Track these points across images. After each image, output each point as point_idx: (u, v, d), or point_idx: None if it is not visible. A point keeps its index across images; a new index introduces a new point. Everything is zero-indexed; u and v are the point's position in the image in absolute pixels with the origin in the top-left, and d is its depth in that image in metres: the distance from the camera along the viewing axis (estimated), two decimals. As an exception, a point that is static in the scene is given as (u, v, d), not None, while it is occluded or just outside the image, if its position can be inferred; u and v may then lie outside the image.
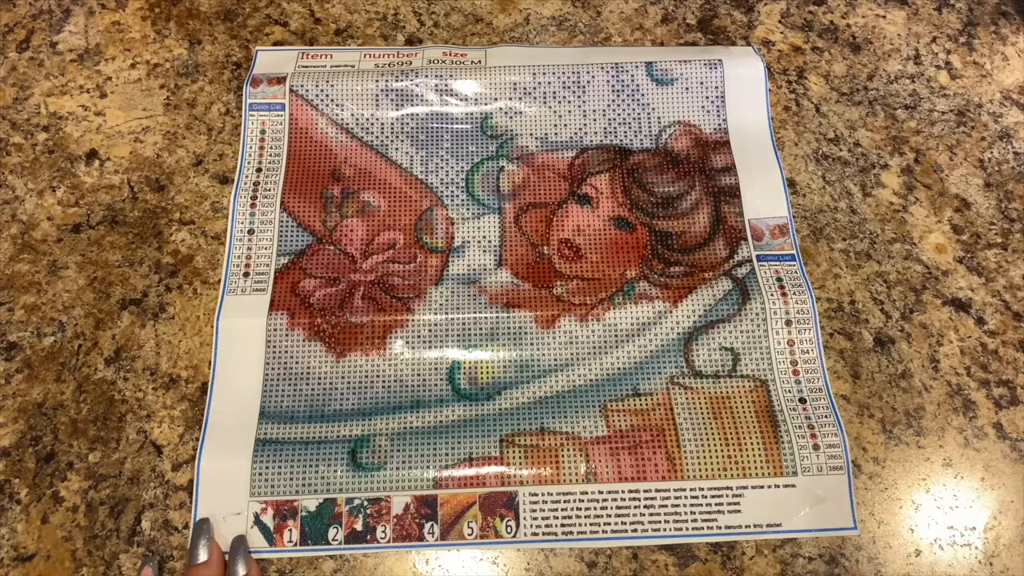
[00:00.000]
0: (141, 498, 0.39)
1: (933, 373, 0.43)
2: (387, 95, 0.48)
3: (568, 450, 0.40)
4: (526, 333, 0.43)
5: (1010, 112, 0.51)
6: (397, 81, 0.48)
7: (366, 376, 0.42)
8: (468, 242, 0.45)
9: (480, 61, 0.50)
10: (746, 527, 0.38)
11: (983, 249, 0.47)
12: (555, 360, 0.42)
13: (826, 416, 0.41)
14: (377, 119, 0.48)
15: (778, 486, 0.39)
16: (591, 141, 0.49)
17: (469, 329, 0.43)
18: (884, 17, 0.55)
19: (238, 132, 0.48)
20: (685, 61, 0.50)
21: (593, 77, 0.49)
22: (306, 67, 0.50)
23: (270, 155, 0.47)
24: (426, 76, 0.48)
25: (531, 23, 0.53)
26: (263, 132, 0.48)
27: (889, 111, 0.51)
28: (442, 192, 0.47)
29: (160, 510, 0.38)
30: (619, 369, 0.42)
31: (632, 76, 0.49)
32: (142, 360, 0.42)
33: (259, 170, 0.47)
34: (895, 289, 0.45)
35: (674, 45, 0.53)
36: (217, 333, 0.42)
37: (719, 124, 0.49)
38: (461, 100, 0.49)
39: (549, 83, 0.49)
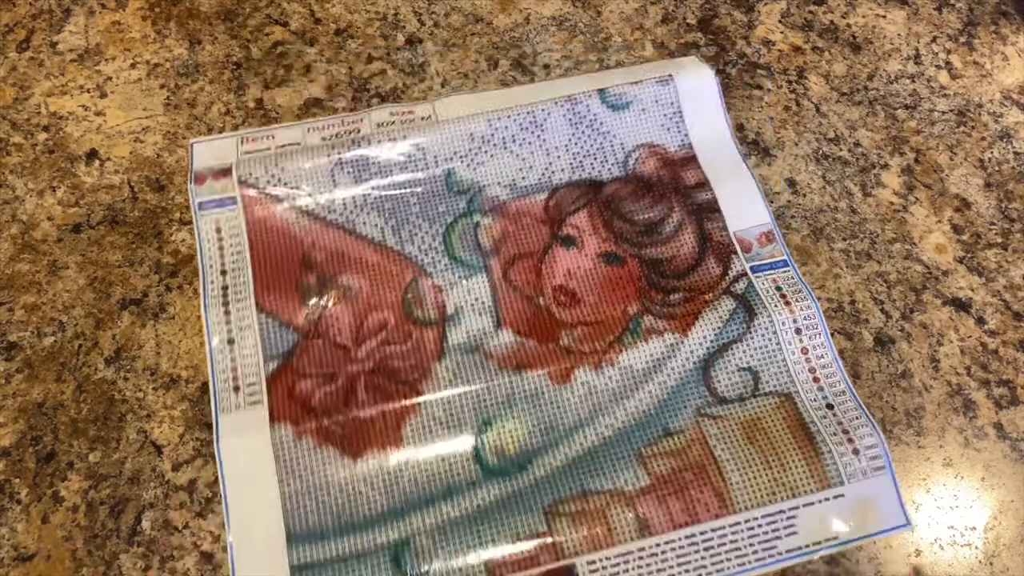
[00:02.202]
0: (141, 498, 0.39)
1: (933, 373, 0.43)
2: (342, 168, 0.45)
3: (616, 508, 0.38)
4: (543, 392, 0.41)
5: (1010, 112, 0.51)
6: (348, 151, 0.46)
7: (388, 473, 0.39)
8: (462, 308, 0.43)
9: (430, 116, 0.48)
10: (806, 547, 0.37)
11: (983, 249, 0.47)
12: (578, 416, 0.40)
13: (857, 418, 0.40)
14: (338, 196, 0.45)
15: (828, 499, 0.38)
16: (560, 179, 0.47)
17: (484, 400, 0.40)
18: (884, 17, 0.55)
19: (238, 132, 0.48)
20: (636, 82, 0.48)
21: (549, 114, 0.47)
22: (250, 153, 0.46)
23: (232, 254, 0.44)
24: (378, 142, 0.46)
25: (531, 23, 0.53)
26: (219, 231, 0.44)
27: (889, 111, 0.51)
28: (423, 260, 0.44)
29: (160, 510, 0.38)
30: (644, 411, 0.40)
31: (587, 106, 0.48)
32: (142, 360, 0.42)
33: (224, 272, 0.43)
34: (895, 289, 0.45)
35: (672, 46, 0.53)
36: (220, 458, 0.38)
37: (682, 140, 0.48)
38: (419, 160, 0.46)
39: (506, 127, 0.47)
